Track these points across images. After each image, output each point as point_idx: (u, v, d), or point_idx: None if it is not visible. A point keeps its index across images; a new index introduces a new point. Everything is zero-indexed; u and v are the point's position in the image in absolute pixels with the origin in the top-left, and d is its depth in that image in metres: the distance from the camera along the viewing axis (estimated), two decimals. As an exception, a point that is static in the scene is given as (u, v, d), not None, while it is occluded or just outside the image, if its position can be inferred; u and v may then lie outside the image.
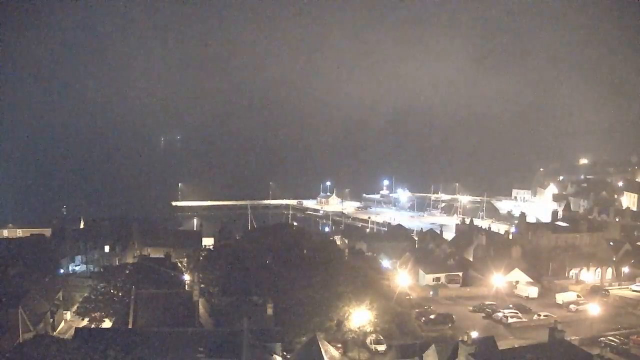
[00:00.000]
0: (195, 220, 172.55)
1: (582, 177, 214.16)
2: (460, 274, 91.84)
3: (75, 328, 51.69)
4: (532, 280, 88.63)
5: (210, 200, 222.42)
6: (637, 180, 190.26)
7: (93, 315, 61.83)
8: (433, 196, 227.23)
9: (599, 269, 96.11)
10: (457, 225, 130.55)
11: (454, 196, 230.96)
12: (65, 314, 69.46)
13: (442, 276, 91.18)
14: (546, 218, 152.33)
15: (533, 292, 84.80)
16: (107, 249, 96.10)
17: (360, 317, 58.75)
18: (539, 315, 72.19)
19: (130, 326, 50.62)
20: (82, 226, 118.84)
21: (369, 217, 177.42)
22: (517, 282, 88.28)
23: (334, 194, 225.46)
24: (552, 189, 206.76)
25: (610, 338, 62.26)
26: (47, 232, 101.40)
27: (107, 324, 60.75)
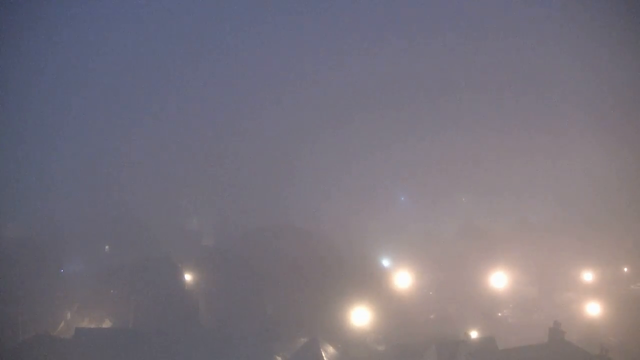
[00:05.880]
0: (195, 220, 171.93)
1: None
2: (461, 273, 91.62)
3: (75, 328, 51.73)
4: (532, 280, 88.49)
5: (211, 200, 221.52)
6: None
7: (93, 316, 61.86)
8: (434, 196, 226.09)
9: (599, 269, 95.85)
10: (458, 224, 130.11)
11: (455, 195, 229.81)
12: (66, 314, 69.42)
13: (443, 276, 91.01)
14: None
15: (533, 291, 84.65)
16: (107, 249, 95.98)
17: (360, 317, 58.70)
18: (539, 314, 72.11)
19: (130, 326, 50.69)
20: (82, 226, 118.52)
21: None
22: (517, 281, 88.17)
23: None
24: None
25: (611, 338, 62.12)
26: (47, 232, 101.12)
27: (107, 324, 60.80)
